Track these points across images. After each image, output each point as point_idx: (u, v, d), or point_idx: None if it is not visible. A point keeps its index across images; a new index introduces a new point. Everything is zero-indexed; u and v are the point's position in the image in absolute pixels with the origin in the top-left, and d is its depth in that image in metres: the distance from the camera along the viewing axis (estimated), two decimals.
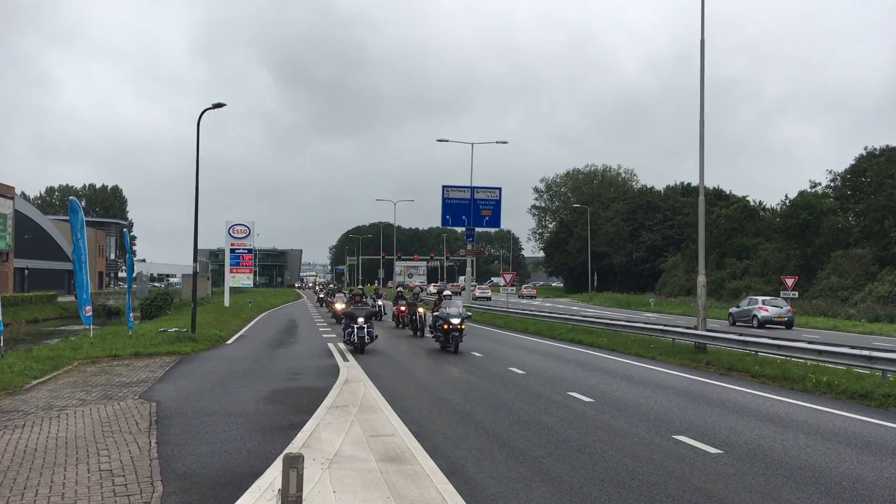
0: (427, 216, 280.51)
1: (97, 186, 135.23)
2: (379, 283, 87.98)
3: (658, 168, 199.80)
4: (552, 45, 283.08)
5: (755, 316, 35.33)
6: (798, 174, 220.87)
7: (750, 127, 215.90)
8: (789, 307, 35.98)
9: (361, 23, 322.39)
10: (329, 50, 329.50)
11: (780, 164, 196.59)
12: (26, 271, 71.24)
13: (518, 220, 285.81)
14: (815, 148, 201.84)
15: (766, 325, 34.21)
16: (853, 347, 16.96)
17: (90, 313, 21.30)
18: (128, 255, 25.18)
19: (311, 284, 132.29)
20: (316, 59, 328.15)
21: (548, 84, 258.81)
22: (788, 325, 34.38)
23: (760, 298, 37.21)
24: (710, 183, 79.67)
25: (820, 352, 15.75)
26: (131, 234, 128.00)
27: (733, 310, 39.37)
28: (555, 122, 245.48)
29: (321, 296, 59.33)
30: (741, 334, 20.43)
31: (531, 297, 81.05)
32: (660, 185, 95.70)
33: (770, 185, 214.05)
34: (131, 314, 23.85)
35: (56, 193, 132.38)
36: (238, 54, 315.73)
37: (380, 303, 35.15)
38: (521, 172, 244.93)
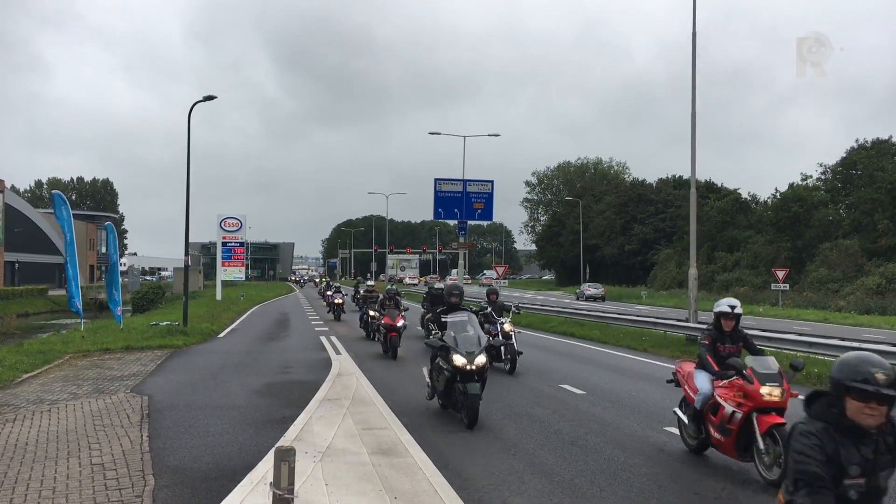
0: (421, 209, 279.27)
1: (87, 180, 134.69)
2: (372, 276, 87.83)
3: (662, 158, 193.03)
4: (562, 30, 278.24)
5: (583, 293, 59.59)
6: (807, 166, 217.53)
7: (761, 115, 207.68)
8: (602, 290, 61.32)
9: (367, 5, 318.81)
10: (333, 34, 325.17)
11: (790, 156, 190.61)
12: (17, 265, 70.94)
13: (517, 211, 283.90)
14: (827, 139, 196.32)
15: (589, 300, 56.19)
16: (843, 339, 17.07)
17: (78, 306, 21.25)
18: (111, 248, 24.85)
19: (316, 280, 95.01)
20: (319, 44, 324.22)
21: (556, 71, 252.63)
22: (602, 299, 57.41)
23: (587, 284, 63.93)
24: (711, 175, 79.93)
25: (810, 343, 15.87)
26: (122, 227, 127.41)
27: (577, 291, 63.13)
28: (561, 112, 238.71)
29: (332, 297, 32.76)
30: None
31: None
32: (655, 177, 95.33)
33: (777, 178, 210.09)
34: (118, 307, 23.65)
35: (45, 186, 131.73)
36: (238, 39, 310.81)
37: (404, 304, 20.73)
38: (525, 163, 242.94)
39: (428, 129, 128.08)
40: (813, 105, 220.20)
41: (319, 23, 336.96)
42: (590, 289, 60.97)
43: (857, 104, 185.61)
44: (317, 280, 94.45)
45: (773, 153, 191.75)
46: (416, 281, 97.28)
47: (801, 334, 18.86)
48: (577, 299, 57.75)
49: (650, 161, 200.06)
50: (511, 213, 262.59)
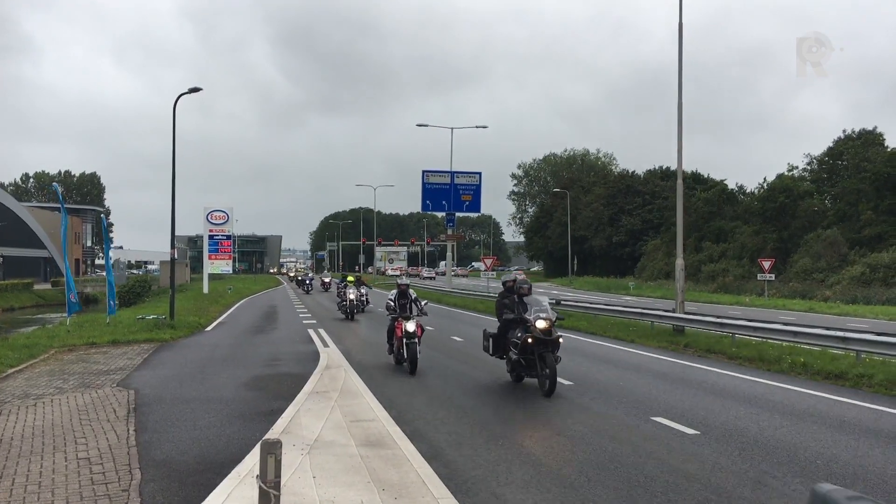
0: (410, 201, 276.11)
1: (74, 173, 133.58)
2: (360, 269, 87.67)
3: (666, 145, 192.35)
4: (575, 12, 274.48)
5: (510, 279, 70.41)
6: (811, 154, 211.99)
7: (771, 100, 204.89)
8: (525, 275, 73.59)
9: None
10: (337, 14, 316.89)
11: (799, 142, 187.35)
12: (1, 259, 70.33)
13: (508, 203, 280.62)
14: (836, 125, 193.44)
15: None
16: (828, 329, 17.19)
17: (75, 299, 21.23)
18: (105, 242, 24.93)
19: (326, 280, 58.00)
20: (321, 24, 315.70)
21: (567, 55, 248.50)
22: None
23: (514, 270, 70.10)
24: (713, 163, 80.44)
25: (795, 333, 15.99)
26: (108, 220, 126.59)
27: (502, 278, 77.20)
28: (567, 98, 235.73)
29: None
30: (719, 317, 20.65)
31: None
32: (646, 167, 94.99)
33: (780, 165, 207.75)
34: (112, 301, 23.59)
35: (31, 180, 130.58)
36: (235, 19, 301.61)
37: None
38: (525, 152, 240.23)
39: (430, 115, 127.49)
40: (826, 90, 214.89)
41: (322, 1, 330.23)
42: (515, 275, 79.06)
43: (867, 89, 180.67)
44: (326, 279, 58.24)
45: (782, 139, 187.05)
46: (398, 272, 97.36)
47: (786, 324, 19.00)
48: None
49: (654, 147, 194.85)
50: (503, 205, 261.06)
